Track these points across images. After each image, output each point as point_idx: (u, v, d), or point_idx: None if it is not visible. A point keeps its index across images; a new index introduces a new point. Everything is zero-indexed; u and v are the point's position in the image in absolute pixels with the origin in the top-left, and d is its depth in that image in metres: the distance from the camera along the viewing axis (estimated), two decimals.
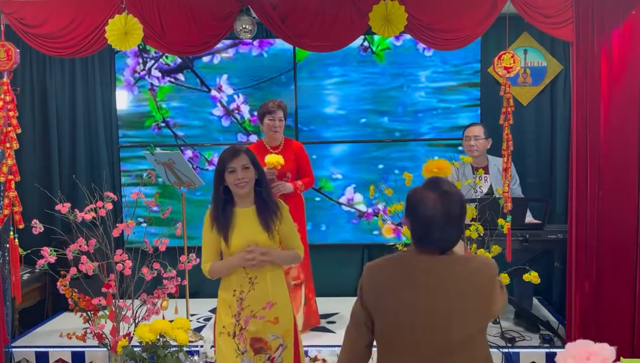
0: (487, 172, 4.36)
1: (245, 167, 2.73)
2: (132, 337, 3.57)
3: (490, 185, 4.32)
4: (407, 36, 4.69)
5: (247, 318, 2.52)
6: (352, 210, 5.06)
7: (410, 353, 1.94)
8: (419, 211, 1.91)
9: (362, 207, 5.05)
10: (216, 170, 2.79)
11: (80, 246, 3.58)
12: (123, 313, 3.64)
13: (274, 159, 3.90)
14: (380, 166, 5.01)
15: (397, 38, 4.88)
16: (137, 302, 3.69)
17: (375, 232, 4.98)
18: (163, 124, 5.12)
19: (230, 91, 5.06)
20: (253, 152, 4.15)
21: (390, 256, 2.05)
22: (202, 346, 3.86)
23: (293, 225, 2.90)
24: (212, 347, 3.68)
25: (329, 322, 4.36)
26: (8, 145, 3.74)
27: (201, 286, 4.80)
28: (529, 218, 4.24)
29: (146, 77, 5.09)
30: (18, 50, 3.78)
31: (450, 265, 1.93)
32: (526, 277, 3.64)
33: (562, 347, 3.75)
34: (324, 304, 4.50)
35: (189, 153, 5.09)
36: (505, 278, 3.65)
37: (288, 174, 4.07)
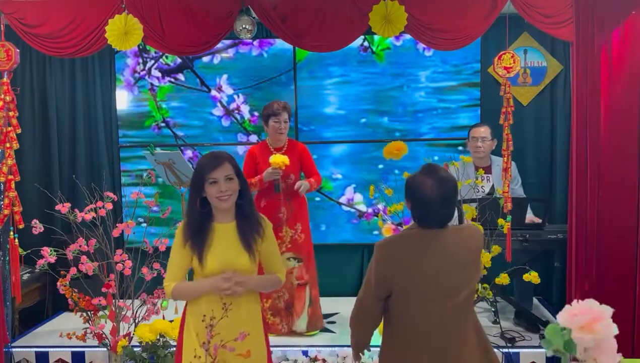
0: (489, 172, 4.37)
1: (229, 178, 2.40)
2: (132, 337, 3.58)
3: (493, 185, 4.32)
4: (407, 36, 4.69)
5: (215, 346, 2.21)
6: (352, 210, 5.06)
7: (417, 323, 2.22)
8: (418, 195, 2.21)
9: (362, 207, 5.05)
10: (194, 179, 2.45)
11: (80, 246, 3.58)
12: (123, 313, 3.64)
13: (279, 159, 3.87)
14: (380, 166, 5.01)
15: (397, 38, 4.88)
16: (137, 302, 3.69)
17: (375, 232, 4.98)
18: (163, 124, 5.12)
19: (230, 91, 5.06)
20: (255, 152, 4.12)
21: (397, 234, 2.36)
22: None
23: (276, 245, 2.59)
24: None
25: (329, 322, 4.36)
26: (8, 145, 3.74)
27: None
28: (530, 215, 4.25)
29: (146, 77, 5.09)
30: (18, 50, 3.78)
31: (448, 237, 2.24)
32: (526, 277, 3.64)
33: None
34: (324, 304, 4.49)
35: (189, 153, 5.09)
36: (505, 278, 3.66)
37: (291, 175, 4.05)
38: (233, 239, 2.44)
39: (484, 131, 4.31)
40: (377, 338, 2.47)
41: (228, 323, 2.31)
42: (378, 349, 2.69)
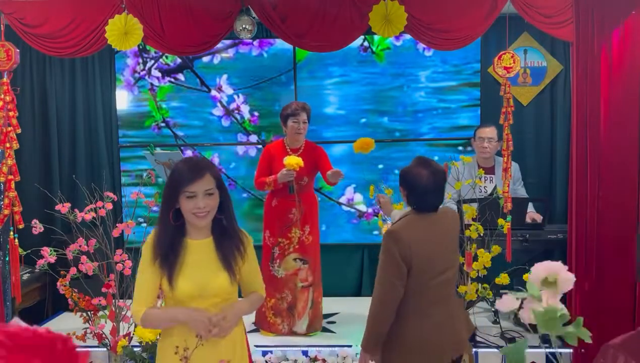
0: (492, 173, 4.37)
1: (209, 193, 2.07)
2: (132, 337, 3.58)
3: (495, 186, 4.32)
4: (407, 36, 4.69)
5: None
6: (352, 210, 5.06)
7: (426, 295, 2.49)
8: (416, 184, 2.51)
9: (362, 207, 5.05)
10: (168, 188, 2.11)
11: (80, 246, 3.58)
12: (123, 313, 3.64)
13: (293, 161, 3.81)
14: (380, 166, 5.01)
15: (397, 38, 4.88)
16: None
17: (375, 232, 4.98)
18: (163, 124, 5.12)
19: (230, 91, 5.06)
20: (271, 151, 3.95)
21: (400, 221, 2.57)
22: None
23: (257, 262, 2.30)
24: None
25: (329, 322, 4.36)
26: (8, 145, 3.74)
27: None
28: (531, 209, 4.25)
29: (146, 77, 5.09)
30: (18, 50, 3.79)
31: (440, 218, 2.59)
32: (526, 277, 3.64)
33: (562, 347, 3.75)
34: (324, 304, 4.49)
35: (189, 153, 5.09)
36: (505, 278, 3.66)
37: (305, 178, 4.02)
38: (209, 257, 2.14)
39: (490, 132, 4.30)
40: None
41: (205, 352, 2.07)
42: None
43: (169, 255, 2.09)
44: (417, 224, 2.53)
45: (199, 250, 2.14)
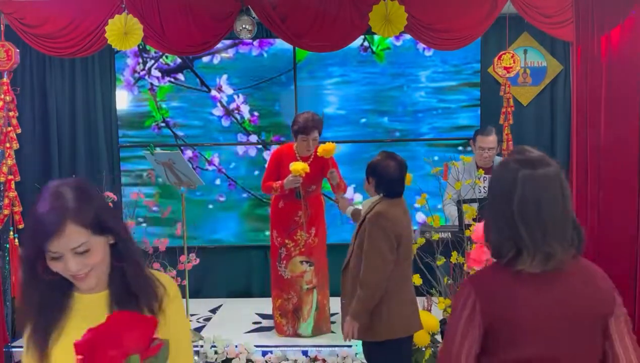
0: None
1: (82, 252, 1.35)
2: None
3: None
4: (407, 36, 4.69)
5: None
6: None
7: (402, 274, 2.88)
8: (386, 174, 2.89)
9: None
10: (26, 241, 1.41)
11: None
12: None
13: (299, 167, 3.73)
14: None
15: (397, 38, 4.88)
16: None
17: None
18: (163, 124, 5.11)
19: (230, 91, 5.06)
20: (281, 155, 3.89)
21: (379, 204, 2.89)
22: (202, 346, 3.86)
23: (185, 328, 1.54)
24: (213, 346, 3.69)
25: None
26: (8, 145, 3.74)
27: (201, 286, 4.80)
28: None
29: (146, 77, 5.09)
30: (18, 50, 3.79)
31: (403, 203, 2.96)
32: None
33: None
34: None
35: (189, 153, 5.09)
36: None
37: (312, 186, 3.99)
38: (102, 319, 1.29)
39: (492, 142, 4.25)
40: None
41: None
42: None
43: (46, 315, 1.42)
44: (394, 208, 2.88)
45: (89, 308, 1.44)
